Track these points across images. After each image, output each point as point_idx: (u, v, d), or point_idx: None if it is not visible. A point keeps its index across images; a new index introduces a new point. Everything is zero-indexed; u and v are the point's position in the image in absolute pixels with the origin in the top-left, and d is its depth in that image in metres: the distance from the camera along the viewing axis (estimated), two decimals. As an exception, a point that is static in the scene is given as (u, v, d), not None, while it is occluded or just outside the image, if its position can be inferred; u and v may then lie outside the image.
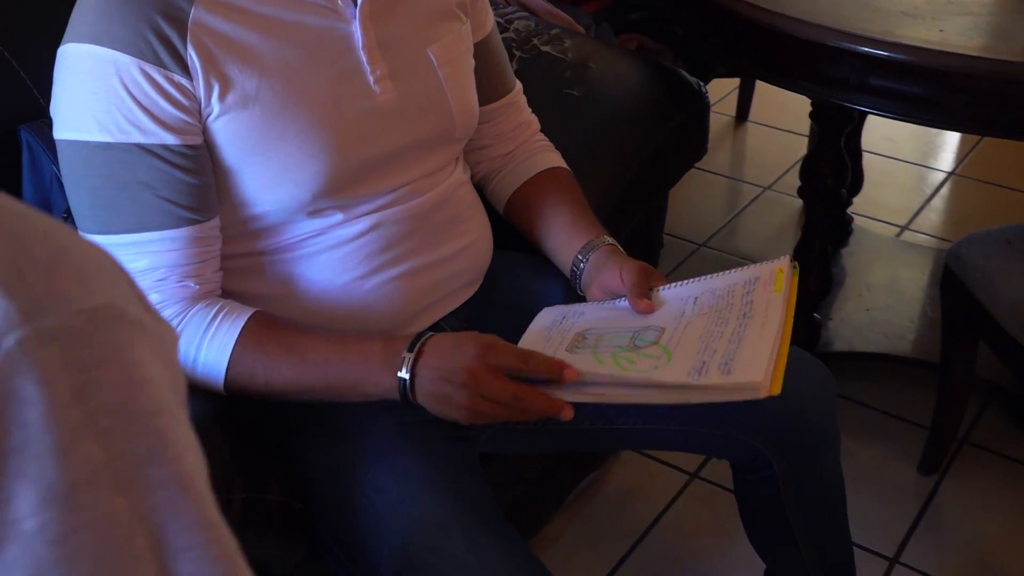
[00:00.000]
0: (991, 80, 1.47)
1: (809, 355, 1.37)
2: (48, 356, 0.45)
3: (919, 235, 2.70)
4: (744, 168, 3.04)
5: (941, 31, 1.52)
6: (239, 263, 1.16)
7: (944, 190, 2.92)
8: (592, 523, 1.88)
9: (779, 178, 2.93)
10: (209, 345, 1.08)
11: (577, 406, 1.08)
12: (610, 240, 1.31)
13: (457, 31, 1.27)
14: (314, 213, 1.16)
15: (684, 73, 1.70)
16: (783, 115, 3.19)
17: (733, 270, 1.21)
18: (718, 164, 3.00)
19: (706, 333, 1.08)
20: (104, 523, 0.46)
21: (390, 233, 1.22)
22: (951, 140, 3.20)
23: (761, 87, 3.13)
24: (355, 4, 1.15)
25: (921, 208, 2.82)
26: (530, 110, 1.44)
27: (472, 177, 1.39)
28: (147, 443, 0.47)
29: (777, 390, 1.00)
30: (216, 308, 1.10)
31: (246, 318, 1.09)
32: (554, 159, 1.41)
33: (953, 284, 1.77)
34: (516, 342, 1.22)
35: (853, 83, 1.56)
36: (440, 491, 1.11)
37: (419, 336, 1.09)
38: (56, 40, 1.32)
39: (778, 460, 1.33)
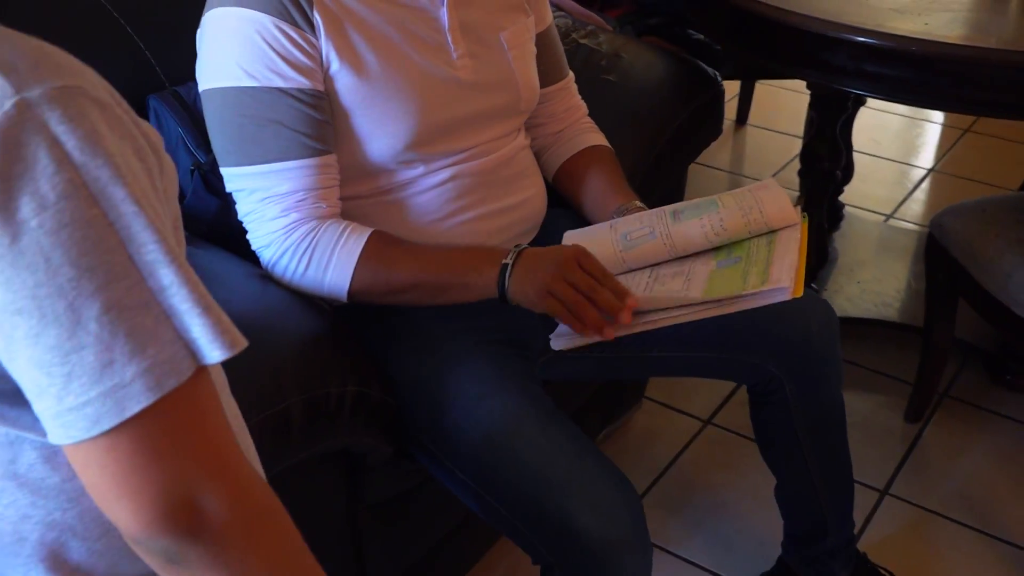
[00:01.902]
0: (970, 64, 1.63)
1: (816, 295, 1.52)
2: (34, 113, 0.63)
3: (903, 222, 2.86)
4: (745, 165, 3.21)
5: (926, 24, 1.68)
6: (347, 205, 1.32)
7: (924, 184, 3.09)
8: (618, 461, 1.98)
9: (776, 173, 3.09)
10: (342, 250, 1.22)
11: (618, 338, 1.23)
12: (640, 203, 1.46)
13: (523, 22, 1.43)
14: (403, 163, 1.32)
15: (701, 64, 1.86)
16: (779, 119, 3.36)
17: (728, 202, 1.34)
18: (721, 161, 3.17)
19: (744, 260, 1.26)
20: (85, 223, 0.64)
21: (464, 184, 1.37)
22: (931, 140, 3.37)
23: (759, 93, 3.30)
24: None
25: (904, 200, 2.98)
26: (580, 97, 1.59)
27: None
28: (107, 172, 0.65)
29: (800, 293, 1.16)
30: (344, 224, 1.25)
31: (369, 232, 1.25)
32: (598, 139, 1.56)
33: (936, 249, 1.92)
34: None
35: (851, 69, 1.72)
36: (512, 391, 1.26)
37: (518, 245, 1.25)
38: (174, 21, 1.48)
39: (789, 382, 1.48)
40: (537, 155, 1.56)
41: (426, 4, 1.31)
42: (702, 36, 2.35)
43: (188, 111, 1.44)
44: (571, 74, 1.58)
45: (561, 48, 1.57)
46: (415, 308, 1.32)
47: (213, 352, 0.67)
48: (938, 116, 3.50)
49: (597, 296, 1.18)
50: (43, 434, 0.70)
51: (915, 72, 1.68)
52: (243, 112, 1.20)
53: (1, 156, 0.61)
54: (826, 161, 2.11)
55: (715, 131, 1.87)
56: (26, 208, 0.62)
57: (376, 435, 1.28)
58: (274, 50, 1.20)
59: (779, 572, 1.70)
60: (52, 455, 0.72)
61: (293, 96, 1.21)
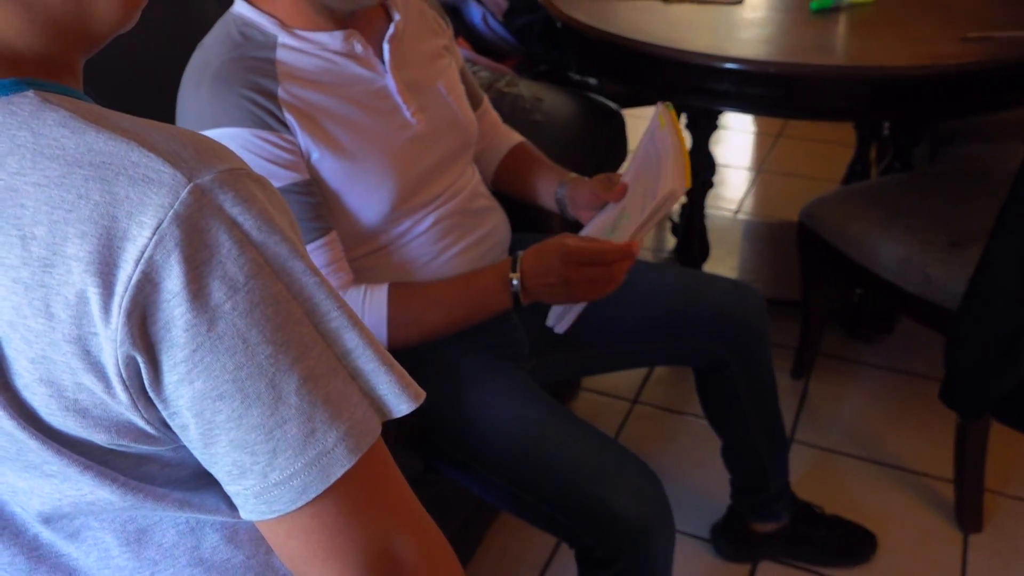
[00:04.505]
0: (828, 80, 1.68)
1: (748, 285, 1.54)
2: (210, 199, 0.54)
3: (747, 216, 2.95)
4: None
5: (790, 51, 1.73)
6: (355, 265, 1.24)
7: (757, 183, 3.19)
8: (570, 445, 1.99)
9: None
10: (369, 312, 1.15)
11: (581, 335, 1.25)
12: (574, 175, 1.44)
13: (450, 66, 1.38)
14: (392, 221, 1.25)
15: (606, 100, 1.86)
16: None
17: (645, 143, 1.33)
18: (590, 181, 3.19)
19: (644, 184, 1.24)
20: (273, 300, 0.56)
21: (445, 225, 1.31)
22: (750, 146, 3.49)
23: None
24: (383, 62, 1.25)
25: (744, 197, 3.07)
26: (494, 110, 1.55)
27: None
28: (285, 248, 0.57)
29: (689, 184, 1.15)
30: (363, 287, 1.17)
31: (387, 287, 1.18)
32: (517, 138, 1.53)
33: (808, 235, 1.97)
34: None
35: (733, 93, 1.74)
36: (529, 399, 1.22)
37: (514, 258, 1.20)
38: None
39: (733, 359, 1.49)
40: None
41: (372, 76, 1.24)
42: (579, 77, 2.35)
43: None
44: (485, 96, 1.54)
45: (472, 77, 1.52)
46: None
47: (400, 406, 0.60)
48: (751, 126, 3.64)
49: (614, 275, 1.16)
50: (226, 515, 0.62)
51: (786, 90, 1.72)
52: None
53: (187, 244, 0.53)
54: (703, 172, 2.14)
55: (623, 154, 1.87)
56: (218, 293, 0.53)
57: (413, 452, 1.21)
58: (262, 158, 1.12)
59: (731, 520, 1.72)
60: (233, 534, 0.64)
61: (291, 191, 1.13)
